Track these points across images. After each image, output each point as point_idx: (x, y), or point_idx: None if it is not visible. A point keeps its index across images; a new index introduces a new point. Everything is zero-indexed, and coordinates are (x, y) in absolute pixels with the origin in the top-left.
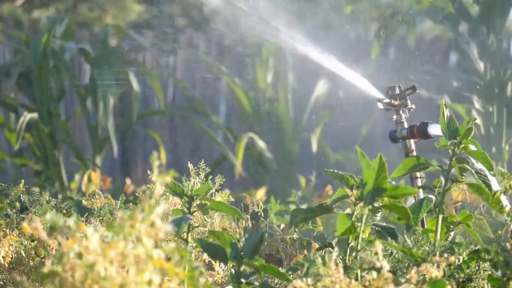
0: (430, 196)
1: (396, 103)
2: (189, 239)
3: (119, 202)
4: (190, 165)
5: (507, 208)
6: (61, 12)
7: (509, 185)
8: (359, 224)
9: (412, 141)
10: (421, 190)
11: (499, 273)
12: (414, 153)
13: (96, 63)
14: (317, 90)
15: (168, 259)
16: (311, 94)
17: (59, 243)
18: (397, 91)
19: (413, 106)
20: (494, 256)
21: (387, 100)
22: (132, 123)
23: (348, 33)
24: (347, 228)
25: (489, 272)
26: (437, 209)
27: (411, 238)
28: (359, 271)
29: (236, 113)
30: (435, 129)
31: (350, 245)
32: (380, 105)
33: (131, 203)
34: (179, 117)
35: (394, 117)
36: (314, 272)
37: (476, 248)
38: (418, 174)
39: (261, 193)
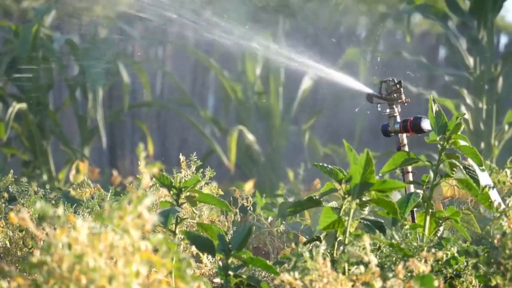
0: (418, 191)
1: (389, 97)
2: (177, 231)
3: (110, 193)
4: (181, 157)
5: (496, 203)
6: (50, 3)
7: (498, 179)
8: (347, 218)
9: (404, 135)
10: (412, 185)
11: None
12: (406, 148)
13: (85, 54)
14: (304, 83)
15: (156, 250)
16: (298, 87)
17: (47, 234)
18: (391, 85)
19: (408, 99)
20: (474, 256)
21: (379, 94)
22: (120, 115)
23: (337, 27)
24: (331, 222)
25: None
26: (426, 204)
27: (400, 233)
28: (346, 265)
29: (224, 105)
30: (429, 124)
31: (338, 239)
32: (372, 99)
33: (121, 195)
34: (167, 109)
35: (387, 110)
36: (302, 265)
37: (464, 243)
38: (410, 169)
39: (249, 186)
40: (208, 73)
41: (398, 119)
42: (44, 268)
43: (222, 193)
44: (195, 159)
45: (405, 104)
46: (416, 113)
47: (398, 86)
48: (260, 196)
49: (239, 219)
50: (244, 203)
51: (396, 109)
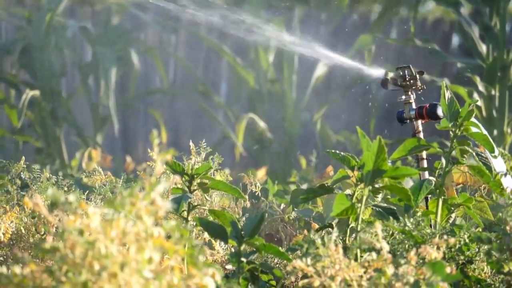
0: (431, 177)
1: (404, 83)
2: (189, 218)
3: (121, 180)
4: (191, 143)
5: (509, 190)
6: None
7: (510, 166)
8: (359, 205)
9: (419, 122)
10: (426, 171)
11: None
12: (421, 135)
13: (98, 41)
14: (317, 70)
15: (168, 237)
16: (312, 74)
17: (60, 220)
18: (407, 72)
19: (423, 86)
20: (487, 243)
21: (395, 81)
22: (133, 102)
23: (350, 13)
24: (344, 209)
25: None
26: (438, 191)
27: (412, 220)
28: (358, 251)
29: (237, 93)
30: None
31: (350, 226)
32: (386, 86)
33: (132, 182)
34: (180, 96)
35: (403, 97)
36: (314, 252)
37: (476, 230)
38: (424, 155)
39: (261, 173)
40: (220, 60)
41: (414, 106)
42: (57, 254)
43: (231, 179)
44: (205, 146)
45: (420, 91)
46: (427, 100)
47: (413, 72)
48: (273, 183)
49: (248, 205)
50: (253, 189)
51: (411, 96)
